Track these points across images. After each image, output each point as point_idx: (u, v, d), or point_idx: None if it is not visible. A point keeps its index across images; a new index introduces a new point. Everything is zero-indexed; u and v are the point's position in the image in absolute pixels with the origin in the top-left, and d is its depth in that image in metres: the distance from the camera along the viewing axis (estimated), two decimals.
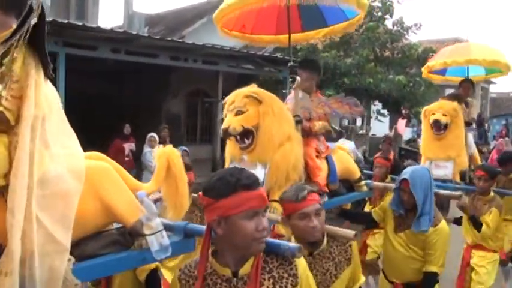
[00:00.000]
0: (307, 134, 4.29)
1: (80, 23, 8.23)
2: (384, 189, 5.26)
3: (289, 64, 4.40)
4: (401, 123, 18.58)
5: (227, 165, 3.97)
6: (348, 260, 2.83)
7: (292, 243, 2.05)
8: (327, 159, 4.46)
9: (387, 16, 15.78)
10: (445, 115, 6.21)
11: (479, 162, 7.29)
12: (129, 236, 2.27)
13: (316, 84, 4.64)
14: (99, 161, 2.39)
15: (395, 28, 15.90)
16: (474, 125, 7.89)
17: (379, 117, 17.07)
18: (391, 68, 15.57)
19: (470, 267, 5.41)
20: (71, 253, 1.87)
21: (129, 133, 10.29)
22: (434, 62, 7.88)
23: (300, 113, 4.12)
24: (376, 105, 16.96)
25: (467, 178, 6.41)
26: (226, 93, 3.80)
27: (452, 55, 7.54)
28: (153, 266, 3.37)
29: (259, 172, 3.68)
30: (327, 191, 4.27)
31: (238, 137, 3.75)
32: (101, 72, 11.10)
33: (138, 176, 9.61)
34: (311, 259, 2.74)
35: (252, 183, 1.89)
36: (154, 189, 2.88)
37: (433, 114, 6.29)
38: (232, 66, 10.97)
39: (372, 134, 18.46)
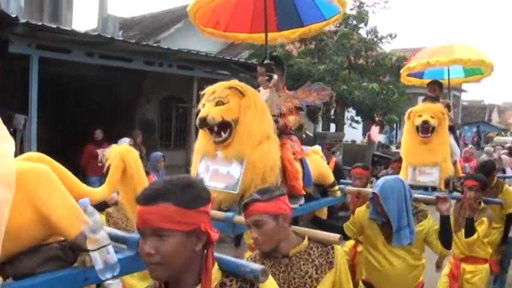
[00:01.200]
0: (282, 132, 4.14)
1: (54, 26, 8.12)
2: (359, 195, 5.08)
3: (265, 61, 4.27)
4: (375, 130, 18.78)
5: (196, 162, 3.78)
6: (330, 263, 2.69)
7: (256, 265, 1.84)
8: (302, 161, 4.31)
9: (362, 25, 15.94)
10: (433, 117, 5.88)
11: (460, 171, 7.13)
12: (71, 251, 2.00)
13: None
14: (39, 163, 2.08)
15: (369, 37, 16.06)
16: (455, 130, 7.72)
17: (353, 124, 17.20)
18: (364, 75, 15.72)
19: (460, 282, 5.25)
20: (4, 271, 1.72)
21: (100, 138, 10.21)
22: (415, 63, 7.45)
23: (274, 112, 3.99)
24: (350, 112, 17.08)
25: (451, 186, 6.15)
26: (200, 99, 3.67)
27: (436, 55, 7.18)
28: None
29: (235, 169, 3.53)
30: (304, 194, 4.13)
31: (215, 129, 3.55)
32: (74, 76, 10.98)
33: None
34: (287, 261, 2.65)
35: (142, 197, 1.63)
36: (107, 194, 2.69)
37: (420, 115, 5.95)
38: (208, 71, 10.95)
39: (346, 141, 18.60)
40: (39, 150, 7.97)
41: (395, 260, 3.95)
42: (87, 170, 10.01)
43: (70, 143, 11.52)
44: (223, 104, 3.52)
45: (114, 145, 3.37)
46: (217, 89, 3.61)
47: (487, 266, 5.21)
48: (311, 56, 15.16)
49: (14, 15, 7.50)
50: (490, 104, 45.80)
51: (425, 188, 5.76)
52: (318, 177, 4.57)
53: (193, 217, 1.64)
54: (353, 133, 19.40)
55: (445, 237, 3.94)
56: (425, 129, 5.89)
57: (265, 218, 2.52)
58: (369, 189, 4.60)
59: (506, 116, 47.30)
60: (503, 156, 11.19)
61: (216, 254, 1.83)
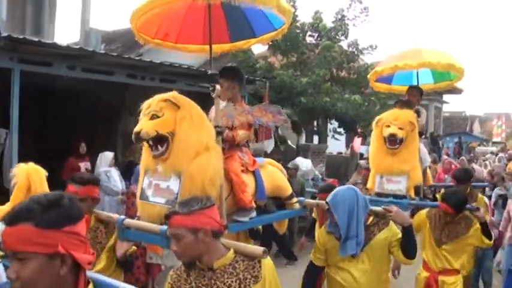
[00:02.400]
0: (230, 145, 4.11)
1: (36, 39, 8.10)
2: (318, 208, 4.97)
3: (208, 72, 4.25)
4: (357, 141, 18.88)
5: (141, 178, 3.73)
6: (256, 277, 2.63)
7: (126, 285, 1.86)
8: (255, 173, 4.25)
9: (343, 38, 16.07)
10: (401, 128, 5.72)
11: (430, 179, 7.20)
12: None
13: (241, 93, 4.54)
14: None
15: (350, 49, 16.19)
16: (428, 140, 7.68)
17: (336, 136, 17.28)
18: (346, 87, 15.83)
19: None
20: None
21: (84, 152, 10.16)
22: (383, 67, 7.18)
23: (221, 123, 3.89)
24: (333, 124, 17.17)
25: (422, 193, 6.07)
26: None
27: (404, 58, 6.94)
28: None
29: (174, 183, 3.46)
30: (254, 206, 4.05)
31: (151, 143, 3.51)
32: (56, 89, 10.94)
33: None
34: (211, 273, 2.62)
35: (5, 217, 1.55)
36: None
37: (388, 126, 5.79)
38: (190, 84, 10.96)
39: (329, 152, 18.67)
40: (20, 163, 7.96)
41: (361, 275, 3.83)
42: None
43: (52, 156, 11.45)
44: (158, 117, 3.48)
45: (21, 164, 3.69)
46: (153, 102, 3.57)
47: (460, 276, 5.08)
48: (293, 69, 15.25)
49: None
50: (471, 115, 46.27)
51: (394, 196, 5.66)
52: (274, 190, 4.48)
53: (54, 238, 1.52)
54: (336, 145, 19.47)
55: (408, 247, 3.83)
56: (393, 142, 5.76)
57: (183, 232, 2.51)
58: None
59: (488, 126, 47.79)
60: (476, 167, 11.30)
61: (93, 275, 1.72)
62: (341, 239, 3.76)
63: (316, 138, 19.12)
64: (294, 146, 16.78)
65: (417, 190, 6.06)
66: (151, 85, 10.19)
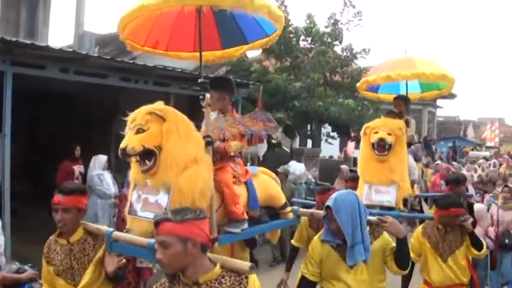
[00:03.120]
0: (222, 157, 4.04)
1: (29, 42, 8.09)
2: (312, 217, 4.81)
3: (199, 80, 4.02)
4: (351, 145, 18.94)
5: (130, 191, 3.66)
6: None
7: None
8: (247, 184, 4.17)
9: (336, 42, 16.11)
10: (390, 134, 5.61)
11: (415, 190, 6.86)
12: None
13: (232, 103, 4.42)
14: None
15: (344, 54, 16.23)
16: (421, 144, 7.42)
17: (329, 140, 17.30)
18: (340, 92, 15.86)
19: None
20: None
21: (79, 155, 10.12)
22: (375, 77, 7.01)
23: (211, 132, 3.79)
24: (326, 128, 17.20)
25: (409, 205, 5.90)
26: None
27: (396, 68, 6.77)
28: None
29: (162, 198, 3.38)
30: (246, 218, 3.97)
31: (138, 158, 3.42)
32: (49, 92, 10.93)
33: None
34: None
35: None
36: None
37: (376, 132, 5.69)
38: (184, 88, 10.96)
39: (322, 156, 18.70)
40: (13, 167, 7.95)
41: (359, 287, 3.71)
42: None
43: (46, 159, 11.43)
44: (144, 131, 3.38)
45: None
46: (137, 115, 3.46)
47: None
48: (287, 73, 15.27)
49: None
50: (465, 120, 46.46)
51: (381, 208, 5.50)
52: (267, 199, 4.39)
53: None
54: (329, 149, 19.53)
55: (401, 257, 3.76)
56: (381, 147, 5.65)
57: (171, 240, 2.42)
58: (321, 211, 4.26)
59: (481, 131, 47.96)
60: (464, 172, 11.25)
61: None
62: (347, 248, 3.60)
63: (309, 142, 19.15)
64: (288, 150, 16.79)
65: (405, 202, 5.90)
66: (145, 88, 10.18)
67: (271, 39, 4.62)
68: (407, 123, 6.57)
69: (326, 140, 17.31)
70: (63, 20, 46.44)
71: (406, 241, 3.78)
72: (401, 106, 7.03)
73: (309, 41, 16.35)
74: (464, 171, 11.54)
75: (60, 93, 10.98)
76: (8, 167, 7.85)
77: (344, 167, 12.55)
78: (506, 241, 7.29)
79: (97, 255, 3.67)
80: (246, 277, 2.60)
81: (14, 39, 7.83)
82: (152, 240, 3.05)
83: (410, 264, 3.89)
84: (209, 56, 4.74)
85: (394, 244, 3.80)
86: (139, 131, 3.39)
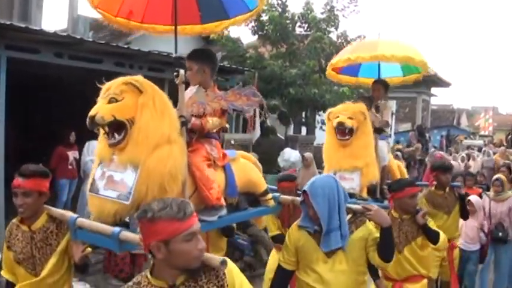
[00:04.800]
0: (198, 135, 3.76)
1: (23, 25, 8.00)
2: (292, 204, 4.57)
3: (172, 55, 3.79)
4: None
5: (95, 166, 3.38)
6: (221, 286, 2.31)
7: None
8: (225, 168, 3.91)
9: (332, 29, 16.06)
10: (351, 118, 5.48)
11: (397, 174, 6.89)
12: None
13: (213, 78, 4.12)
14: None
15: (340, 41, 16.18)
16: (388, 131, 7.11)
17: (324, 127, 17.27)
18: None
19: None
20: None
21: (73, 141, 10.08)
22: (337, 59, 6.72)
23: (186, 112, 3.53)
24: (321, 115, 17.18)
25: (378, 193, 5.81)
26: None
27: (357, 50, 6.51)
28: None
29: (129, 176, 3.11)
30: (223, 204, 3.71)
31: (107, 130, 3.17)
32: (43, 76, 10.84)
33: (81, 186, 9.43)
34: None
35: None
36: None
37: (337, 117, 5.55)
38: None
39: (317, 143, 18.70)
40: (7, 152, 7.90)
41: (337, 277, 3.44)
42: (56, 172, 9.89)
43: (40, 145, 11.36)
44: (117, 101, 3.13)
45: None
46: (113, 84, 3.21)
47: (425, 280, 4.72)
48: (282, 60, 15.22)
49: None
50: (459, 108, 46.50)
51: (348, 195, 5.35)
52: (246, 185, 4.13)
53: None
54: (324, 136, 19.49)
55: (385, 248, 3.52)
56: (342, 131, 5.52)
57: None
58: None
59: (475, 119, 48.09)
60: (452, 162, 11.09)
61: None
62: (322, 232, 3.39)
63: (304, 130, 19.13)
64: (282, 137, 16.78)
65: (372, 189, 5.80)
66: (140, 74, 10.11)
67: (253, 13, 4.27)
68: (377, 109, 6.52)
69: (321, 127, 17.28)
70: (57, 3, 45.95)
71: (391, 231, 3.57)
72: (379, 90, 6.79)
73: (305, 28, 16.30)
74: (452, 162, 11.21)
75: (55, 78, 10.88)
76: (2, 152, 7.81)
77: (308, 154, 11.97)
78: (500, 234, 7.24)
79: (60, 246, 3.46)
80: (224, 273, 2.35)
81: (7, 23, 7.74)
82: (117, 229, 2.93)
83: (394, 256, 3.62)
84: (187, 30, 4.43)
85: (377, 234, 3.56)
86: (112, 100, 3.14)
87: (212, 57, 4.14)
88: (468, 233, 6.94)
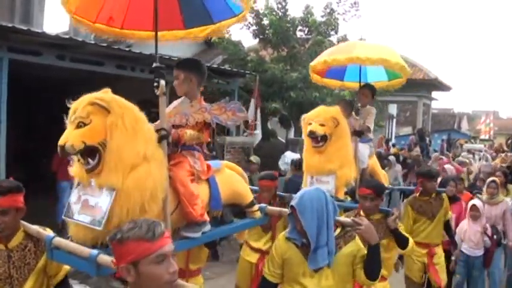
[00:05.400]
0: (177, 146, 3.61)
1: (26, 28, 8.03)
2: (280, 216, 4.49)
3: (154, 65, 3.61)
4: None
5: (73, 190, 3.22)
6: None
7: None
8: (209, 181, 3.74)
9: (332, 32, 16.07)
10: (323, 125, 5.47)
11: (381, 177, 6.84)
12: None
13: (200, 89, 3.91)
14: None
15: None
16: (371, 135, 6.97)
17: None
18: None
19: None
20: None
21: None
22: (315, 62, 6.66)
23: (166, 125, 3.39)
24: None
25: (357, 195, 5.61)
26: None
27: (334, 53, 6.41)
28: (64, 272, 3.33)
29: (104, 200, 2.94)
30: (207, 219, 3.57)
31: (79, 157, 3.02)
32: (46, 78, 10.87)
33: None
34: None
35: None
36: None
37: (310, 123, 5.56)
38: None
39: None
40: (8, 154, 7.92)
41: None
42: (58, 175, 9.91)
43: (41, 147, 11.38)
44: (85, 125, 2.94)
45: None
46: (79, 105, 3.01)
47: (387, 282, 4.70)
48: (283, 63, 15.24)
49: None
50: (459, 112, 46.53)
51: None
52: (232, 197, 3.98)
53: None
54: None
55: (371, 267, 3.37)
56: (314, 139, 5.53)
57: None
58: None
59: (476, 123, 48.06)
60: (447, 166, 10.80)
61: None
62: (310, 249, 3.25)
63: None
64: (283, 140, 16.78)
65: (350, 191, 5.80)
66: (141, 77, 10.15)
67: (238, 19, 4.08)
68: (357, 112, 6.55)
69: None
70: (58, 5, 45.85)
71: (378, 249, 3.41)
72: (367, 96, 6.79)
73: (306, 31, 16.31)
74: (446, 166, 10.94)
75: (57, 80, 10.91)
76: (3, 154, 7.83)
77: (299, 159, 11.55)
78: (494, 237, 7.10)
79: (38, 265, 3.23)
80: None
81: (9, 25, 7.77)
82: (95, 252, 2.78)
83: (379, 276, 3.45)
84: (169, 36, 4.21)
85: (365, 251, 3.41)
86: (80, 125, 2.95)
87: (200, 67, 3.96)
88: (472, 238, 6.81)
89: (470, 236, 6.84)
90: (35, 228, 3.26)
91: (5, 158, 7.86)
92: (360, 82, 6.89)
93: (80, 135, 2.92)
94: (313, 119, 5.59)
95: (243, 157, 12.21)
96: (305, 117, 5.79)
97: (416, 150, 17.54)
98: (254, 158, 10.71)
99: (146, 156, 3.06)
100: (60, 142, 2.91)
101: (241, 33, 70.87)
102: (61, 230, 9.33)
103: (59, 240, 3.04)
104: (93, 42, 9.18)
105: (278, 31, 15.17)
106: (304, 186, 5.57)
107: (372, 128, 6.74)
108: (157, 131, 3.28)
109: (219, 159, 7.23)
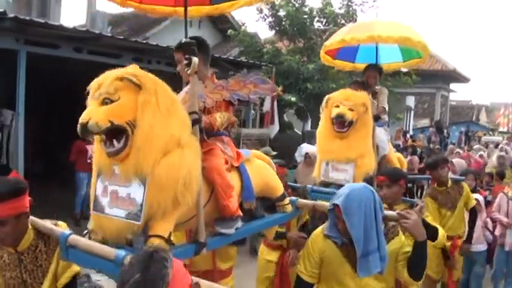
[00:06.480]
0: (208, 134, 3.24)
1: (43, 21, 8.08)
2: (314, 209, 4.11)
3: (183, 40, 3.31)
4: None
5: (94, 181, 2.82)
6: None
7: None
8: (240, 170, 3.39)
9: (350, 24, 15.95)
10: (352, 109, 5.14)
11: (397, 164, 6.42)
12: None
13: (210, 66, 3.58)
14: None
15: None
16: (386, 117, 6.69)
17: None
18: (353, 74, 15.75)
19: None
20: None
21: None
22: (331, 41, 6.25)
23: (197, 108, 3.03)
24: None
25: (375, 184, 5.23)
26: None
27: (352, 31, 6.05)
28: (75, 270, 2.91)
29: (136, 191, 2.60)
30: (241, 215, 3.24)
31: (104, 137, 2.64)
32: (63, 71, 10.93)
33: None
34: None
35: None
36: None
37: (337, 106, 5.21)
38: None
39: None
40: (26, 146, 7.98)
41: None
42: (76, 166, 9.98)
43: (58, 139, 11.46)
44: (112, 102, 2.58)
45: None
46: (105, 81, 2.65)
47: None
48: (300, 54, 15.17)
49: (1, 10, 7.45)
50: (478, 104, 46.03)
51: (338, 186, 4.84)
52: (263, 189, 3.62)
53: None
54: None
55: (417, 265, 3.07)
56: (340, 124, 5.18)
57: None
58: (326, 203, 3.56)
59: (494, 115, 47.55)
60: (457, 160, 10.19)
61: None
62: (358, 255, 2.89)
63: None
64: (300, 132, 16.74)
65: (369, 181, 5.20)
66: (158, 69, 10.16)
67: None
68: (374, 94, 6.10)
69: None
70: None
71: (426, 246, 3.06)
72: (375, 77, 6.38)
73: (323, 23, 16.22)
74: (455, 160, 10.57)
75: (74, 72, 10.96)
76: (21, 146, 7.89)
77: (312, 152, 9.87)
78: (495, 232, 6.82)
79: (51, 266, 2.85)
80: None
81: (27, 18, 7.81)
82: (122, 253, 2.44)
83: (423, 276, 3.16)
84: (194, 11, 3.97)
85: (409, 248, 3.11)
86: (106, 101, 2.58)
87: (202, 44, 3.49)
88: (472, 234, 6.31)
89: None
90: (47, 224, 2.87)
91: (23, 151, 7.92)
92: (376, 63, 6.54)
93: (106, 112, 2.54)
94: (342, 102, 5.21)
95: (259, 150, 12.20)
96: (330, 98, 5.39)
97: (435, 142, 17.34)
98: (266, 150, 10.47)
99: (180, 141, 2.71)
100: (83, 119, 2.51)
101: (258, 25, 70.65)
102: (79, 221, 9.45)
103: (76, 239, 2.70)
104: (109, 34, 9.21)
105: (294, 22, 15.10)
106: (317, 173, 5.35)
107: (387, 108, 6.48)
108: (189, 114, 2.90)
109: None
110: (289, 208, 3.90)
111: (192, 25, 15.22)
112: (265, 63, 13.74)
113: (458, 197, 5.85)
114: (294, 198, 4.03)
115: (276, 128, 13.18)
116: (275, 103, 12.98)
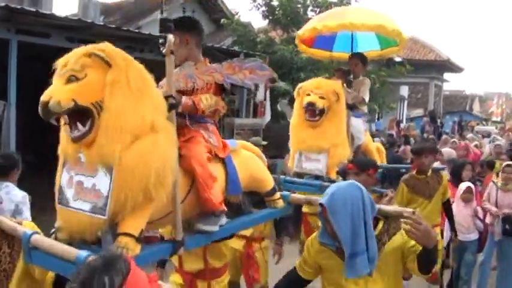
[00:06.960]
0: (192, 120, 2.97)
1: (34, 9, 8.01)
2: (309, 205, 4.05)
3: (159, 16, 2.92)
4: None
5: (59, 170, 2.55)
6: None
7: None
8: (224, 162, 3.09)
9: None
10: (323, 97, 5.04)
11: (375, 155, 6.30)
12: None
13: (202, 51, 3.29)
14: None
15: None
16: (365, 109, 6.59)
17: None
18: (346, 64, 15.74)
19: None
20: None
21: None
22: (303, 30, 6.11)
23: (175, 91, 2.72)
24: None
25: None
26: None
27: (324, 19, 5.93)
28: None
29: (102, 181, 2.31)
30: (225, 210, 2.95)
31: (67, 119, 2.36)
32: (54, 60, 10.86)
33: None
34: None
35: None
36: None
37: (308, 94, 5.11)
38: None
39: None
40: (18, 136, 7.94)
41: None
42: None
43: (50, 129, 11.41)
44: (78, 79, 2.30)
45: None
46: (71, 57, 2.39)
47: None
48: (293, 44, 15.14)
49: None
50: (471, 94, 46.15)
51: (316, 177, 5.01)
52: (250, 183, 3.34)
53: None
54: None
55: (427, 264, 2.85)
56: (311, 112, 5.08)
57: None
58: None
59: (488, 105, 47.71)
60: (446, 149, 10.26)
61: None
62: (345, 257, 2.76)
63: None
64: None
65: (343, 171, 5.13)
66: (150, 58, 10.12)
67: None
68: (349, 84, 6.00)
69: None
70: None
71: (436, 250, 2.83)
72: (357, 65, 6.31)
73: (317, 12, 16.16)
74: (444, 149, 10.53)
75: None
76: (13, 136, 7.85)
77: None
78: (507, 226, 6.66)
79: (17, 269, 2.44)
80: None
81: (18, 7, 7.75)
82: (83, 254, 2.15)
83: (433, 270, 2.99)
84: None
85: (413, 242, 2.84)
86: (71, 78, 2.31)
87: (195, 24, 3.28)
88: (462, 223, 6.49)
89: (459, 220, 6.45)
90: (10, 223, 2.49)
91: (15, 140, 7.89)
92: (351, 52, 6.48)
93: (69, 91, 2.26)
94: (312, 90, 5.12)
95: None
96: (301, 86, 5.30)
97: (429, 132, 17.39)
98: (256, 140, 10.44)
99: (154, 125, 2.41)
100: (43, 98, 2.23)
101: (251, 15, 70.51)
102: None
103: (39, 239, 2.37)
104: (102, 23, 9.15)
105: (288, 12, 15.06)
106: (291, 164, 5.28)
107: (366, 100, 6.37)
108: (164, 97, 2.61)
109: None
110: (280, 203, 3.63)
111: (185, 14, 15.14)
112: (259, 52, 13.70)
113: (437, 186, 5.79)
114: (286, 193, 3.79)
115: (267, 117, 13.17)
116: (268, 92, 12.96)
